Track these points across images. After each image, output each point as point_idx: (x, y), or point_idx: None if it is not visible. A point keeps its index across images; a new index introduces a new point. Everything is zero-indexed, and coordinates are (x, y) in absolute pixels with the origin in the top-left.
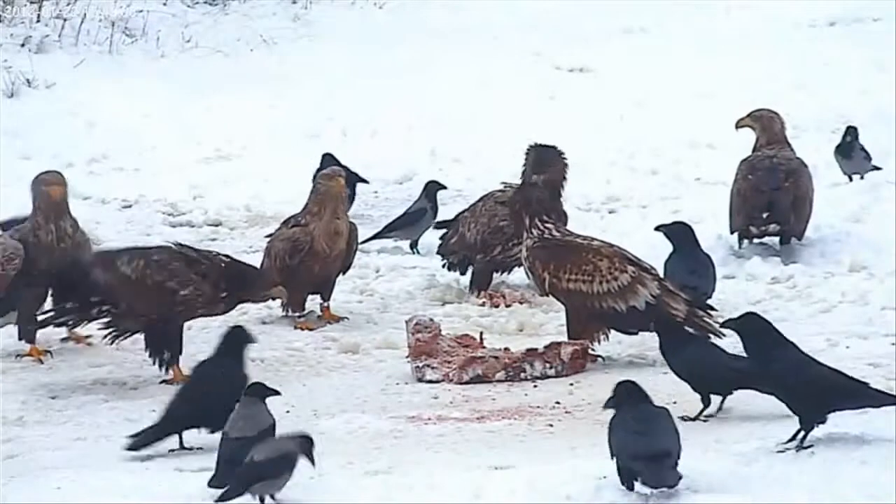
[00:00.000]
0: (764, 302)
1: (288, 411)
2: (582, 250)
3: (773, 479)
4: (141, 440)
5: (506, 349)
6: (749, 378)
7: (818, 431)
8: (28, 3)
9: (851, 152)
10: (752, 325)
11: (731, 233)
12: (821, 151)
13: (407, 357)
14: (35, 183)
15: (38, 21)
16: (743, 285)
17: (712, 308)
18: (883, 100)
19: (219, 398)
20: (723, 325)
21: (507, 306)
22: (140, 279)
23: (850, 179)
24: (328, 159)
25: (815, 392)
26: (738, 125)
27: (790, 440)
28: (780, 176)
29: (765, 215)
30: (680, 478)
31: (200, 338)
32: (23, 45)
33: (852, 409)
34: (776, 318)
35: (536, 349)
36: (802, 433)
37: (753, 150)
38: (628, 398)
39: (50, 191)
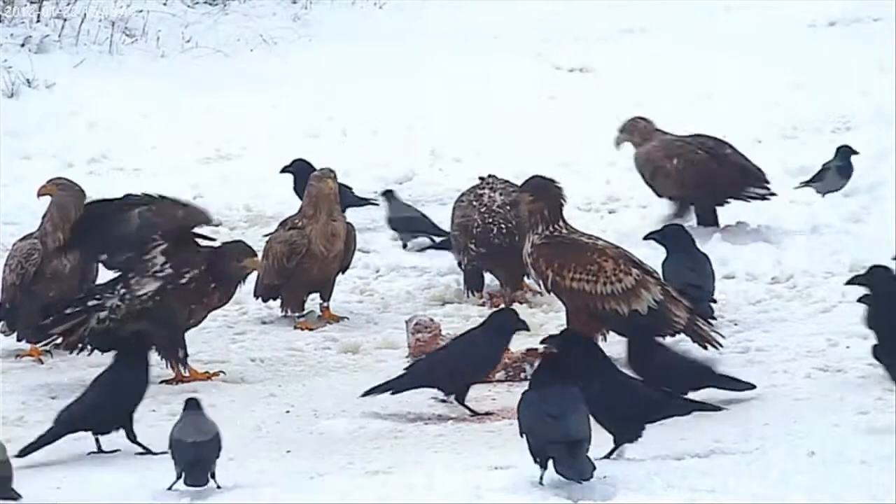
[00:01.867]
0: (764, 302)
1: (288, 411)
2: (587, 250)
3: (773, 479)
4: (377, 390)
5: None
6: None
7: (819, 432)
8: (28, 3)
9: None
10: (571, 344)
11: (714, 206)
12: (821, 151)
13: (407, 357)
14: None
15: (38, 21)
16: (743, 285)
17: (713, 317)
18: (883, 100)
19: (459, 367)
20: (543, 340)
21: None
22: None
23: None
24: (300, 164)
25: (625, 415)
26: (618, 143)
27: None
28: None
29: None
30: (594, 469)
31: (201, 337)
32: (23, 45)
33: (663, 419)
34: (776, 319)
35: (536, 349)
36: (615, 447)
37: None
38: (548, 374)
39: (43, 191)
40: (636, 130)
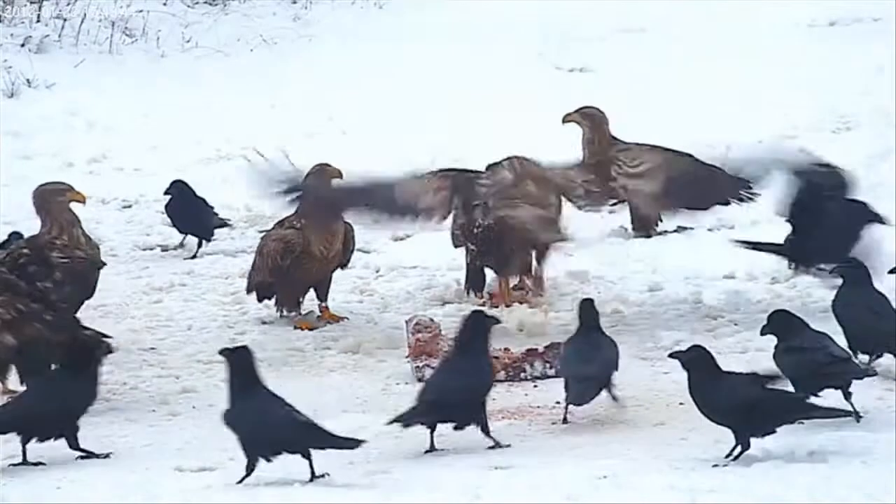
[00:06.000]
0: (764, 302)
1: None
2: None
3: (773, 479)
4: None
5: (506, 349)
6: None
7: (818, 432)
8: (28, 3)
9: None
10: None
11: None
12: (821, 151)
13: (407, 357)
14: (45, 194)
15: (38, 21)
16: (743, 285)
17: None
18: (883, 100)
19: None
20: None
21: (507, 306)
22: None
23: None
24: (179, 185)
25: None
26: (566, 120)
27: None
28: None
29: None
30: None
31: (201, 337)
32: (23, 45)
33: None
34: None
35: (536, 349)
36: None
37: (590, 151)
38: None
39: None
40: (591, 118)
